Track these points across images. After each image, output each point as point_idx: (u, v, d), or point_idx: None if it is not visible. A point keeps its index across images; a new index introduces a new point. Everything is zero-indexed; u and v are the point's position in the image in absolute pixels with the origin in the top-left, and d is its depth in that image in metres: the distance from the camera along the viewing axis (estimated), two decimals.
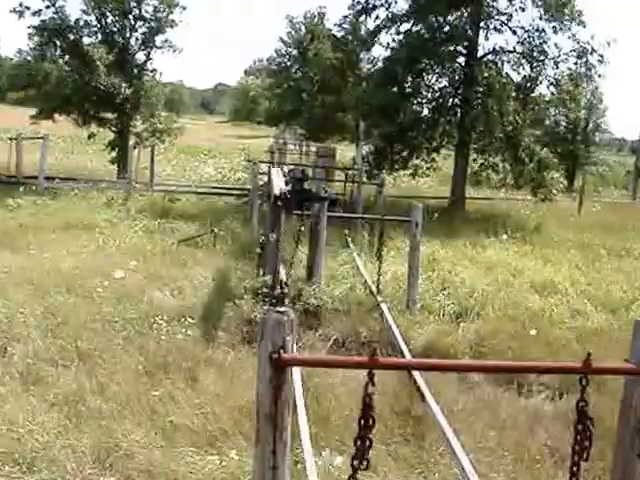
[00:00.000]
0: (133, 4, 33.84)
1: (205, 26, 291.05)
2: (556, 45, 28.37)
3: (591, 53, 27.78)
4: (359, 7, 31.76)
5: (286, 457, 4.00)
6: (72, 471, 6.44)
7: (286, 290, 11.85)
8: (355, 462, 3.64)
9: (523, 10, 28.37)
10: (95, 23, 33.97)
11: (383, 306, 11.85)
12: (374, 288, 12.90)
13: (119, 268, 13.27)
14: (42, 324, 10.18)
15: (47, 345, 9.43)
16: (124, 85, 32.64)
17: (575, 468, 3.93)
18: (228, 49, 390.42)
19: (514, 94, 27.04)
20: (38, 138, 31.03)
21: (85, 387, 8.17)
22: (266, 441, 3.89)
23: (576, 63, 28.32)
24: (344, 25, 47.12)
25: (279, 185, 12.11)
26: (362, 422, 3.63)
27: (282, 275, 12.87)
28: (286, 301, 11.38)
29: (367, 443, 3.63)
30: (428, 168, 30.01)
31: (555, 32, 27.99)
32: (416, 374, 8.51)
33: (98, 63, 32.01)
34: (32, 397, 7.85)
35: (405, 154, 28.77)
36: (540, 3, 27.89)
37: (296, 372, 8.05)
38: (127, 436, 7.03)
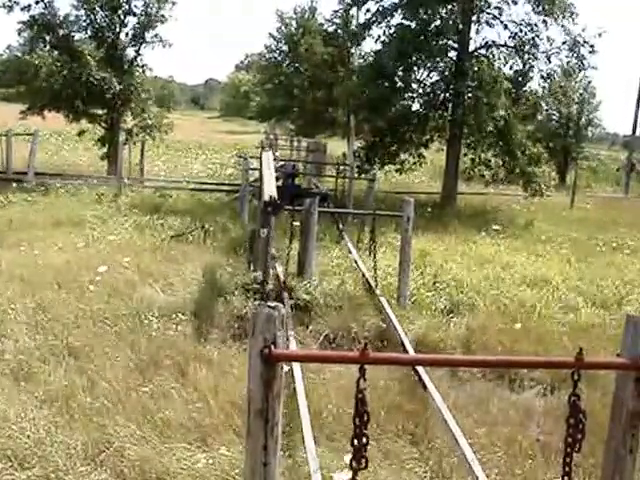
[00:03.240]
0: None
1: (195, 21, 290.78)
2: (548, 38, 28.32)
3: (582, 45, 27.74)
4: (350, 1, 31.68)
5: (277, 453, 4.01)
6: (64, 467, 6.41)
7: (284, 287, 11.92)
8: (354, 463, 3.64)
9: (515, 3, 28.36)
10: (85, 18, 33.72)
11: (382, 300, 11.84)
12: (372, 282, 12.91)
13: (104, 264, 13.23)
14: (33, 320, 10.14)
15: (38, 341, 9.40)
16: (114, 81, 32.46)
17: (568, 459, 3.95)
18: (218, 44, 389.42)
19: (506, 88, 26.95)
20: (28, 134, 30.91)
21: (76, 383, 8.13)
22: (257, 437, 3.88)
23: (568, 56, 28.28)
24: (335, 20, 47.07)
25: (269, 187, 11.98)
26: (357, 420, 3.63)
27: (279, 272, 12.90)
28: (285, 297, 11.42)
29: (364, 440, 3.63)
30: (415, 163, 29.93)
31: (546, 25, 27.91)
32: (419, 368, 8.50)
33: (88, 58, 31.85)
34: (23, 394, 7.82)
35: (394, 148, 28.68)
36: None
37: (297, 368, 8.08)
38: (118, 432, 7.00)
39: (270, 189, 11.75)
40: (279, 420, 3.93)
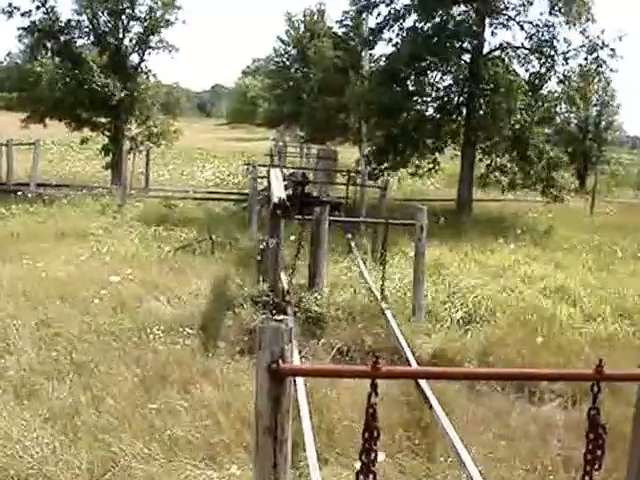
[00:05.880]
0: (126, 4, 33.37)
1: (201, 26, 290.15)
2: (565, 40, 28.05)
3: (602, 48, 27.41)
4: (361, 4, 31.48)
5: (287, 470, 3.91)
6: None
7: (288, 298, 11.68)
8: (361, 478, 3.55)
9: (531, 4, 28.06)
10: (87, 24, 33.44)
11: (387, 313, 11.63)
12: (378, 294, 12.68)
13: (109, 276, 13.11)
14: (36, 335, 10.03)
15: (41, 357, 9.27)
16: (118, 87, 32.22)
17: (587, 478, 3.79)
18: (225, 49, 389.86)
19: (522, 91, 26.65)
20: (29, 144, 30.77)
21: (80, 400, 8.00)
22: (266, 454, 3.80)
23: (586, 59, 27.97)
24: (345, 22, 46.94)
25: (278, 191, 11.81)
26: (366, 434, 3.55)
27: (284, 283, 12.66)
28: (289, 309, 11.20)
29: (372, 456, 3.55)
30: (430, 169, 29.69)
31: (568, 24, 27.50)
32: (422, 382, 8.31)
33: (91, 64, 31.68)
34: (26, 411, 7.66)
35: (407, 153, 28.41)
36: None
37: (300, 387, 7.86)
38: (124, 450, 6.87)
39: (279, 192, 11.59)
40: (288, 437, 3.84)
